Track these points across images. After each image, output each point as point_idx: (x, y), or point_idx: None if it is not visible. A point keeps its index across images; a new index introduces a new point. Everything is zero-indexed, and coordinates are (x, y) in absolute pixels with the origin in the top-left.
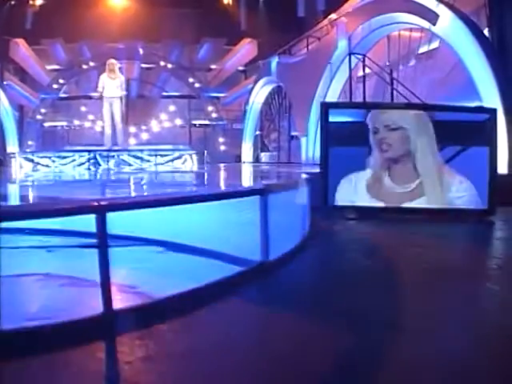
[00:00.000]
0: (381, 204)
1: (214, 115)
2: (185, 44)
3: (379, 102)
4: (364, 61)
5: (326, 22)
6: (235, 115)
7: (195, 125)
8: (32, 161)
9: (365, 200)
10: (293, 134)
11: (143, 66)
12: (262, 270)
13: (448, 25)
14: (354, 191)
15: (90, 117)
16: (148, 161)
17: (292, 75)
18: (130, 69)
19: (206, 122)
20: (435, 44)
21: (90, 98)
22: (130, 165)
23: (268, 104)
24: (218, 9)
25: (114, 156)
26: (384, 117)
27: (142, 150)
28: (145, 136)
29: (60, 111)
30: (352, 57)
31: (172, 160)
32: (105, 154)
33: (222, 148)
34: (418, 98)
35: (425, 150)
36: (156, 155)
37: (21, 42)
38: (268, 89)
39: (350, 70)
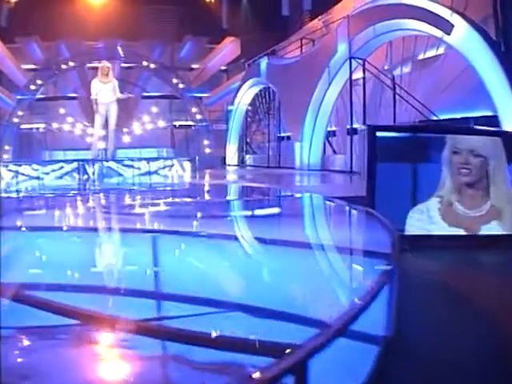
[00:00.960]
0: (461, 231)
1: (198, 116)
2: (166, 43)
3: (424, 124)
4: (364, 65)
5: (319, 23)
6: (217, 116)
7: (176, 126)
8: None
9: (443, 228)
10: (282, 135)
11: (123, 65)
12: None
13: (462, 34)
14: (428, 220)
15: (69, 119)
16: (138, 168)
17: (284, 77)
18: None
19: (189, 123)
20: (440, 50)
21: (69, 98)
22: (119, 174)
23: (254, 105)
24: (200, 6)
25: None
26: (468, 141)
27: (132, 159)
28: (126, 139)
29: (37, 113)
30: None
31: (163, 168)
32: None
33: (207, 151)
34: (422, 104)
35: (498, 175)
36: (148, 162)
37: None
38: (255, 90)
39: (351, 74)
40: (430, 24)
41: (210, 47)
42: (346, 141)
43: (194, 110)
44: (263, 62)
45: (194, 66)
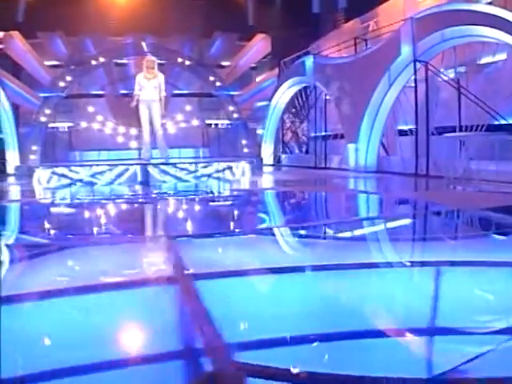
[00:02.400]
0: None
1: (235, 115)
2: (196, 39)
3: None
4: (427, 68)
5: (372, 24)
6: (247, 114)
7: (210, 125)
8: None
9: None
10: (319, 134)
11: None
12: None
13: None
14: None
15: (99, 117)
16: (195, 171)
17: (336, 77)
18: (139, 65)
19: (223, 122)
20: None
21: (98, 96)
22: (177, 178)
23: (293, 104)
24: (229, 1)
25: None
26: None
27: (190, 163)
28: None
29: (64, 112)
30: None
31: (222, 170)
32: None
33: (245, 150)
34: (491, 108)
35: None
36: (205, 166)
37: (15, 34)
38: (295, 89)
39: (416, 76)
40: (505, 32)
41: (240, 44)
42: (396, 142)
43: (230, 108)
44: (308, 61)
45: (224, 63)
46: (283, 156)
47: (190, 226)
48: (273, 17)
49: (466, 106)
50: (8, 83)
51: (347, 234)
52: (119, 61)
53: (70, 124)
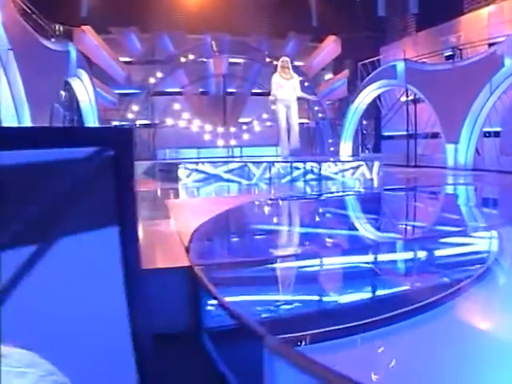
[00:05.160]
0: None
1: (320, 115)
2: (272, 39)
3: None
4: None
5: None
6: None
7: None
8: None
9: None
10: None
11: (231, 60)
12: None
13: None
14: None
15: (185, 115)
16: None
17: (431, 82)
18: (218, 64)
19: (307, 121)
20: None
21: (177, 94)
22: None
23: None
24: (301, 3)
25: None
26: None
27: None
28: (246, 137)
29: (146, 109)
30: None
31: (348, 170)
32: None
33: (332, 149)
34: None
35: None
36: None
37: (87, 29)
38: (380, 91)
39: None
40: None
41: (312, 45)
42: (482, 142)
43: (316, 108)
44: (399, 65)
45: (298, 63)
46: (361, 155)
47: None
48: (343, 19)
49: None
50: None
51: None
52: (198, 59)
53: (155, 121)
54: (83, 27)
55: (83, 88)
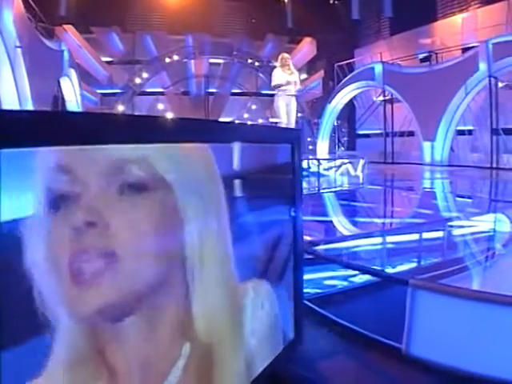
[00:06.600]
0: None
1: (299, 114)
2: (251, 40)
3: None
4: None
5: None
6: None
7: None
8: None
9: None
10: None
11: (212, 61)
12: None
13: None
14: None
15: (168, 115)
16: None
17: (408, 83)
18: (199, 64)
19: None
20: None
21: (163, 94)
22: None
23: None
24: (277, 5)
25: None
26: None
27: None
28: None
29: (127, 109)
30: None
31: (333, 168)
32: None
33: (310, 147)
34: None
35: None
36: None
37: (69, 28)
38: (358, 91)
39: (491, 90)
40: None
41: (289, 46)
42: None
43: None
44: (377, 68)
45: (276, 64)
46: (337, 153)
47: None
48: (318, 21)
49: None
50: None
51: None
52: (182, 60)
53: None
54: (65, 26)
55: (71, 87)
